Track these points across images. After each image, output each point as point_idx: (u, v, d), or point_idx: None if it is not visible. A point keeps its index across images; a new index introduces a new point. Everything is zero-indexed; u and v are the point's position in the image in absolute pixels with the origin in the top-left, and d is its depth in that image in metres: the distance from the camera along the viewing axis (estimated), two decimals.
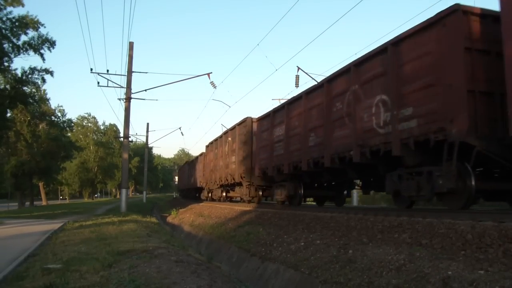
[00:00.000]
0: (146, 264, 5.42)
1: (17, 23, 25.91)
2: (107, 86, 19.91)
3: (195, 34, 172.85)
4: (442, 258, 4.42)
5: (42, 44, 28.76)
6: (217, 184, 21.44)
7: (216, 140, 22.44)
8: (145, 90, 34.41)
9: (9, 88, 28.69)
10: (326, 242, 6.69)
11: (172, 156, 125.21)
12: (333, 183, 12.33)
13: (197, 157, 31.36)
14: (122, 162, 22.54)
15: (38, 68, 30.27)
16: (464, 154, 6.35)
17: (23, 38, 27.56)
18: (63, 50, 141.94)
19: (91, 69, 19.48)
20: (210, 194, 24.53)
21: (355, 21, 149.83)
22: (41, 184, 46.07)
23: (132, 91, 19.70)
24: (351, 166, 9.21)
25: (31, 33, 28.13)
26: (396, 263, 4.78)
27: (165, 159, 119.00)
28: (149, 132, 42.05)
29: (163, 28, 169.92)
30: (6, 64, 25.83)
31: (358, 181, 11.67)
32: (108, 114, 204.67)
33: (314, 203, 15.09)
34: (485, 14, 6.44)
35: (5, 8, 24.45)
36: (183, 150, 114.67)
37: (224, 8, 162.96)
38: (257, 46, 59.53)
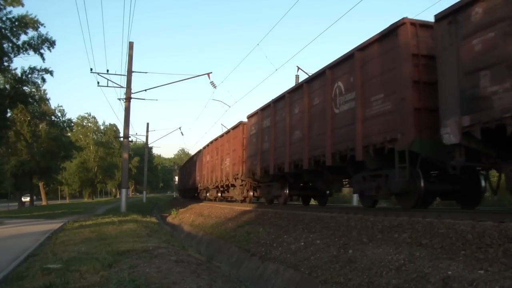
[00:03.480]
0: (146, 264, 5.42)
1: (16, 23, 25.84)
2: (107, 86, 19.91)
3: (195, 34, 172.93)
4: (442, 258, 4.42)
5: (42, 43, 28.69)
6: (213, 185, 22.17)
7: (212, 142, 23.08)
8: (145, 90, 34.41)
9: (9, 88, 28.66)
10: (326, 242, 6.69)
11: (172, 156, 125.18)
12: (310, 184, 13.13)
13: (195, 156, 31.41)
14: (122, 162, 22.54)
15: (38, 68, 30.23)
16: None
17: (23, 38, 27.51)
18: (63, 50, 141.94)
19: (91, 69, 19.50)
20: (207, 194, 25.21)
21: (355, 21, 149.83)
22: (41, 184, 46.04)
23: (132, 91, 19.69)
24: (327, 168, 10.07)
25: (31, 32, 28.05)
26: (396, 263, 4.78)
27: (165, 159, 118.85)
28: (149, 132, 42.01)
29: (163, 28, 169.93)
30: (6, 64, 25.78)
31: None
32: (108, 114, 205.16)
33: (301, 203, 15.79)
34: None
35: (5, 8, 24.41)
36: (183, 150, 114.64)
37: (224, 8, 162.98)
38: (257, 46, 59.61)
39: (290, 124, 11.62)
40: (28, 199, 44.36)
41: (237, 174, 16.97)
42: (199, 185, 27.71)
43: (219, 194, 22.15)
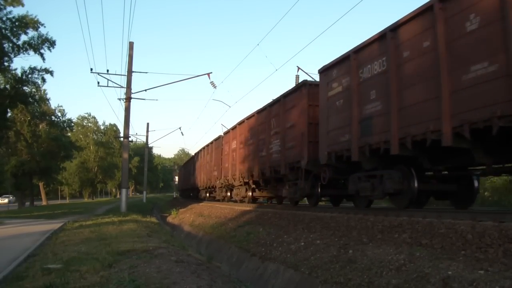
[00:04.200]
0: (146, 264, 5.42)
1: (17, 23, 25.90)
2: (107, 86, 19.91)
3: (195, 34, 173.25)
4: (442, 258, 4.42)
5: (42, 44, 28.76)
6: (244, 180, 16.23)
7: (242, 122, 16.71)
8: (145, 90, 34.66)
9: (9, 88, 28.70)
10: (326, 242, 6.69)
11: (172, 156, 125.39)
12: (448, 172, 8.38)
13: (205, 149, 25.88)
14: (122, 162, 22.54)
15: (38, 68, 30.30)
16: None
17: (23, 38, 27.61)
18: (63, 50, 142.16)
19: (91, 69, 19.49)
20: (227, 194, 20.07)
21: (355, 20, 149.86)
22: (41, 184, 46.11)
23: (132, 91, 19.70)
24: None
25: (31, 33, 28.16)
26: (396, 263, 4.78)
27: (165, 159, 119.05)
28: (149, 132, 42.09)
29: (163, 28, 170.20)
30: (6, 64, 25.84)
31: None
32: (108, 114, 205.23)
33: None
34: None
35: (5, 8, 24.47)
36: (183, 150, 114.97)
37: (224, 8, 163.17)
38: (257, 46, 59.47)
39: (449, 55, 6.26)
40: (6, 200, 44.15)
41: (298, 161, 11.01)
42: (217, 182, 21.20)
43: (250, 194, 16.30)
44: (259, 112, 14.65)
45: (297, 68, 19.32)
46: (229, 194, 19.94)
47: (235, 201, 18.27)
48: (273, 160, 12.86)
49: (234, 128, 18.11)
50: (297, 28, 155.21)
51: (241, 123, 17.01)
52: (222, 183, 19.97)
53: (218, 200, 21.56)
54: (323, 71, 9.96)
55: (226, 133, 19.89)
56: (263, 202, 17.43)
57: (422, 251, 4.81)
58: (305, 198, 12.69)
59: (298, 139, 11.12)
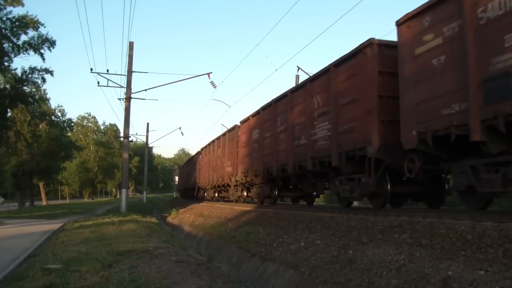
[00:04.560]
0: (146, 264, 5.42)
1: (17, 23, 25.93)
2: (107, 86, 19.89)
3: (195, 33, 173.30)
4: (442, 258, 4.43)
5: (42, 43, 28.77)
6: (264, 177, 13.97)
7: (267, 107, 13.75)
8: (145, 90, 34.71)
9: (9, 88, 28.73)
10: (326, 242, 6.69)
11: (172, 156, 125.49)
12: None
13: (210, 145, 23.27)
14: (122, 162, 22.55)
15: (38, 67, 30.31)
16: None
17: (23, 37, 27.63)
18: (63, 50, 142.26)
19: (91, 69, 19.48)
20: (245, 193, 16.88)
21: (355, 20, 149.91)
22: (41, 184, 46.13)
23: (132, 91, 19.70)
24: None
25: (31, 32, 28.18)
26: (396, 263, 4.78)
27: (165, 159, 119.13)
28: (149, 132, 42.08)
29: (163, 28, 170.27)
30: (6, 64, 25.86)
31: None
32: (108, 114, 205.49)
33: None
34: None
35: (5, 8, 24.50)
36: (183, 150, 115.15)
37: (224, 7, 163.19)
38: (257, 46, 59.56)
39: None
40: None
41: (361, 148, 8.24)
42: (231, 179, 18.02)
43: (276, 193, 13.93)
44: (293, 91, 11.77)
45: (297, 68, 19.10)
46: (245, 193, 16.84)
47: (255, 202, 16.07)
48: (319, 148, 10.08)
49: (256, 114, 14.84)
50: (297, 28, 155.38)
51: (266, 107, 13.88)
52: (238, 181, 16.93)
53: (231, 201, 18.65)
54: (404, 22, 7.20)
55: (243, 121, 16.52)
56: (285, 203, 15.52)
57: (422, 251, 4.82)
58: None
59: (361, 119, 8.42)
